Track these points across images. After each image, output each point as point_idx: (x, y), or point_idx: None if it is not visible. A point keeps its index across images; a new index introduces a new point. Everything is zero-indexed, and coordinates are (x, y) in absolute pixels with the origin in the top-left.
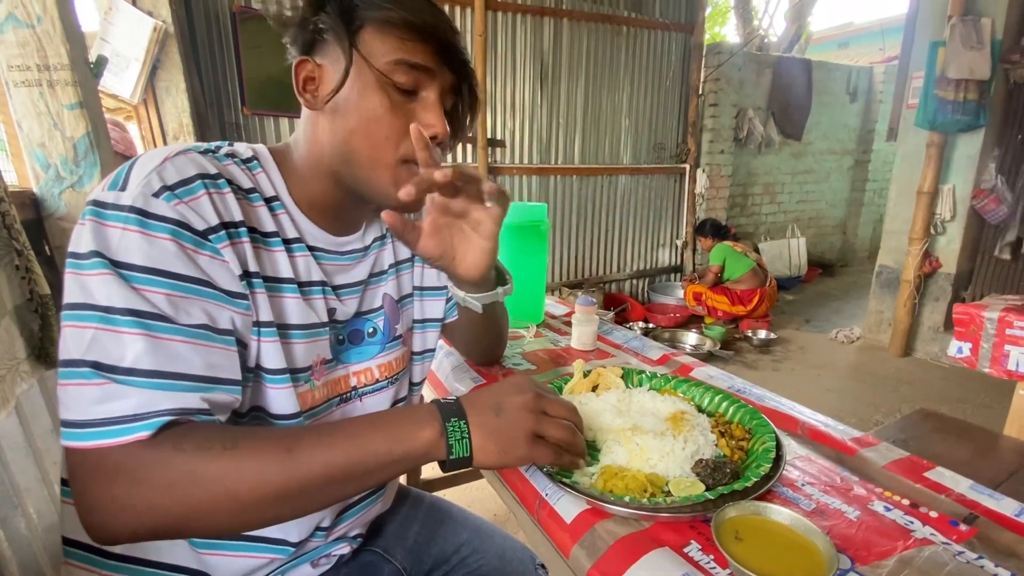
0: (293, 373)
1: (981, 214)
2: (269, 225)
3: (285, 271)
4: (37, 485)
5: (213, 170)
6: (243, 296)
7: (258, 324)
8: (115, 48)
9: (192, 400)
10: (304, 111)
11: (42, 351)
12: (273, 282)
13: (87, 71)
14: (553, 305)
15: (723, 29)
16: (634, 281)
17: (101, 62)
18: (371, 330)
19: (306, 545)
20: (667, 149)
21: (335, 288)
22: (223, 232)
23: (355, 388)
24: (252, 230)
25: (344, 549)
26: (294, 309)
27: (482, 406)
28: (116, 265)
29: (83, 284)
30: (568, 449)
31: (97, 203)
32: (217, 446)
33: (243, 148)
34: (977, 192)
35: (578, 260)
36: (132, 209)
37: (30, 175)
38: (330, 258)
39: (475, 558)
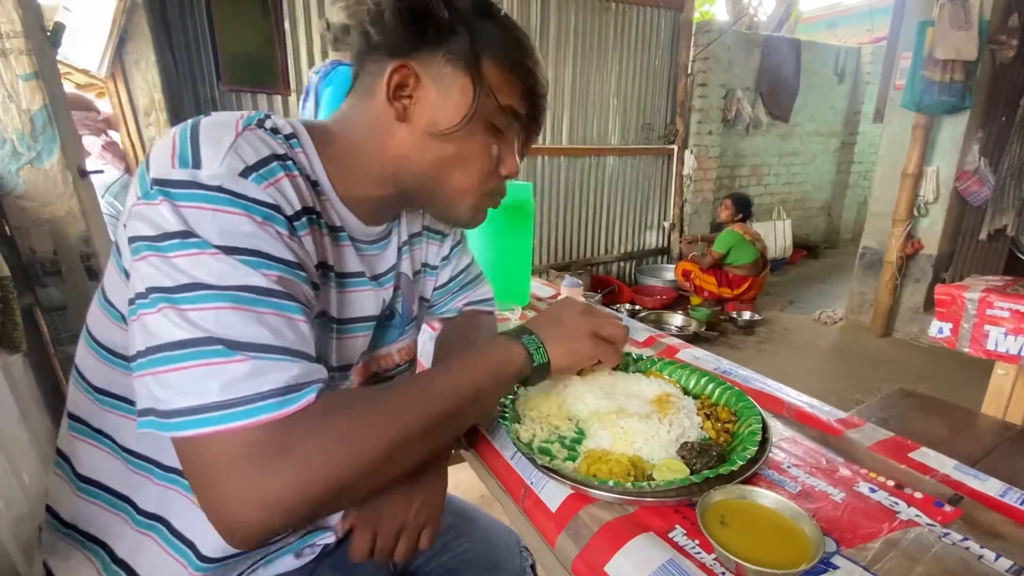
0: (344, 369)
1: (964, 196)
2: (320, 209)
3: (350, 264)
4: (4, 475)
5: (280, 151)
6: (317, 288)
7: (330, 318)
8: (79, 18)
9: (322, 372)
10: (374, 111)
11: (4, 336)
12: (329, 271)
13: (43, 39)
14: (539, 287)
15: (712, 7)
16: (621, 263)
17: (58, 29)
18: (390, 313)
19: (289, 536)
20: (655, 130)
21: (375, 278)
22: (305, 219)
23: (376, 374)
24: (317, 215)
25: (329, 538)
26: (355, 302)
27: (545, 323)
28: (219, 248)
29: (177, 266)
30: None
31: (168, 182)
32: (360, 403)
33: (282, 122)
34: (960, 174)
35: (565, 242)
36: (222, 190)
37: None
38: (368, 248)
39: (459, 542)
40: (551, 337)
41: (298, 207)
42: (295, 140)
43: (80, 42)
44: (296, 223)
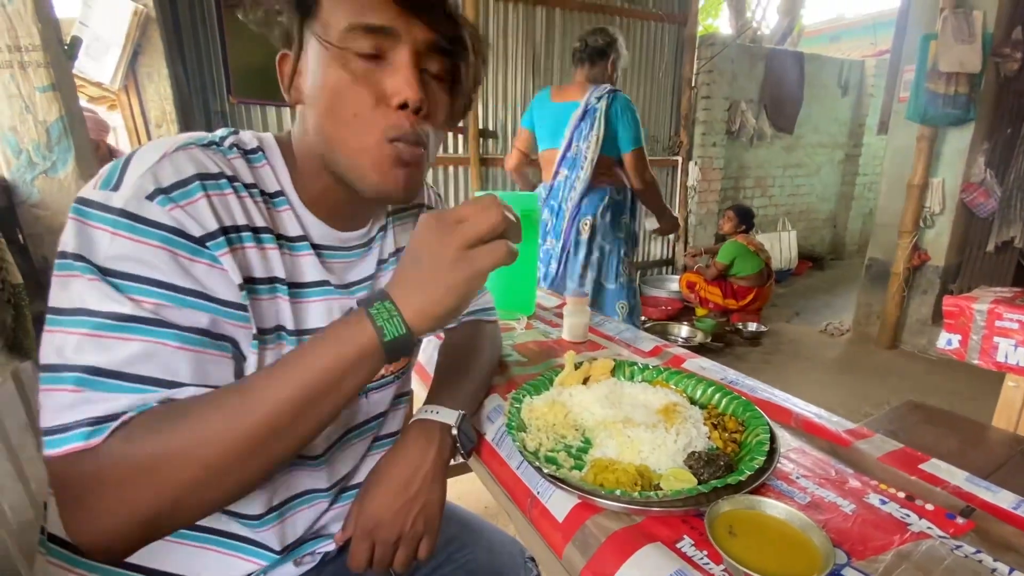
0: None
1: (970, 207)
2: (269, 222)
3: (308, 274)
4: (11, 482)
5: (214, 168)
6: (242, 308)
7: (263, 332)
8: (94, 32)
9: (152, 398)
10: (298, 107)
11: (15, 342)
12: (280, 284)
13: (61, 53)
14: (544, 297)
15: (716, 21)
16: None
17: (75, 43)
18: None
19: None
20: (659, 142)
21: (344, 287)
22: (222, 238)
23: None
24: (257, 231)
25: (329, 546)
26: (315, 312)
27: (401, 271)
28: (104, 272)
29: (67, 286)
30: (508, 235)
31: (85, 202)
32: (166, 424)
33: (248, 137)
34: (966, 186)
35: None
36: (123, 213)
37: (1, 161)
38: (337, 255)
39: (463, 552)
40: (408, 291)
41: (213, 227)
42: (259, 154)
43: (94, 55)
44: (210, 243)
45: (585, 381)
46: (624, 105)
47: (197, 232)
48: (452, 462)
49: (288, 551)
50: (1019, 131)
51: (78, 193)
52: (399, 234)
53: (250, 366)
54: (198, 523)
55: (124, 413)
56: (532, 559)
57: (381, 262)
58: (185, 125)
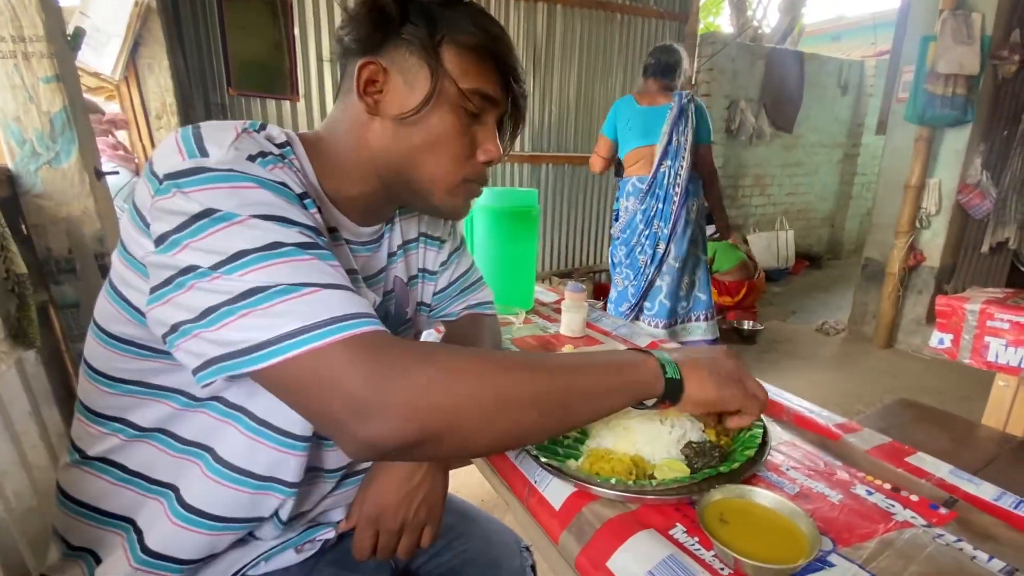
0: None
1: (965, 209)
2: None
3: (346, 263)
4: (15, 468)
5: (277, 152)
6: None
7: None
8: (95, 23)
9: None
10: (352, 109)
11: (19, 331)
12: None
13: (64, 44)
14: (543, 292)
15: (717, 19)
16: None
17: (79, 34)
18: (383, 314)
19: (290, 529)
20: None
21: (367, 279)
22: (311, 199)
23: None
24: (320, 211)
25: (329, 534)
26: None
27: (686, 355)
28: (246, 215)
29: (212, 245)
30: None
31: (180, 173)
32: (466, 350)
33: (276, 132)
34: (962, 187)
35: (569, 249)
36: (232, 170)
37: (5, 151)
38: (359, 249)
39: (460, 542)
40: (692, 366)
41: (301, 189)
42: (288, 148)
43: (95, 46)
44: (305, 201)
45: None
46: (701, 107)
47: (298, 189)
48: None
49: (290, 526)
50: (1015, 133)
51: (159, 171)
52: (405, 227)
53: None
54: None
55: (365, 314)
56: (527, 548)
57: (390, 255)
58: (185, 117)
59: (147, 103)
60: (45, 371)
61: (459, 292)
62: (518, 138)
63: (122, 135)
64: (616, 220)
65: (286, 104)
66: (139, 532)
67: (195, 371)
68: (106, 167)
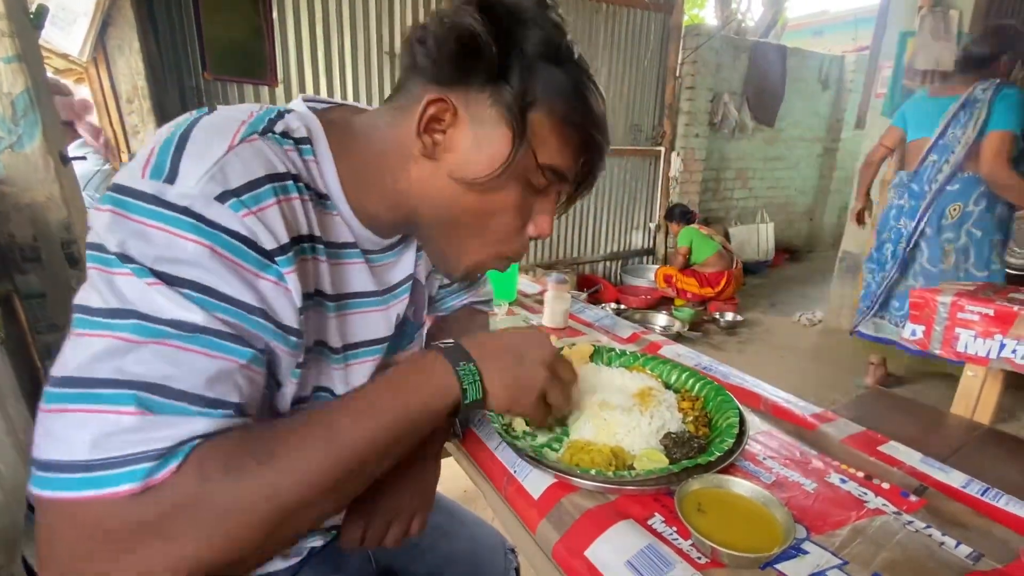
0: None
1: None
2: (320, 228)
3: (355, 283)
4: (3, 435)
5: (281, 168)
6: (298, 334)
7: (329, 348)
8: (61, 0)
9: (221, 424)
10: (403, 134)
11: None
12: (325, 299)
13: (26, 21)
14: (526, 283)
15: (702, 11)
16: (607, 263)
17: (42, 12)
18: (402, 321)
19: None
20: (643, 131)
21: (388, 290)
22: (292, 252)
23: None
24: (313, 240)
25: (317, 541)
26: (360, 324)
27: (499, 351)
28: (159, 276)
29: (112, 285)
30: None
31: (130, 192)
32: (250, 461)
33: (296, 123)
34: None
35: (552, 241)
36: (187, 212)
37: None
38: (381, 258)
39: (446, 542)
40: (499, 373)
41: (284, 240)
42: (308, 146)
43: (61, 25)
44: (279, 258)
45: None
46: (1008, 95)
47: (269, 245)
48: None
49: None
50: None
51: (114, 180)
52: None
53: (285, 395)
54: None
55: (190, 441)
56: (513, 550)
57: (416, 250)
58: (157, 101)
59: (117, 86)
60: (11, 363)
61: (464, 287)
62: None
63: (92, 120)
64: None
65: (264, 89)
66: None
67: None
68: (82, 151)
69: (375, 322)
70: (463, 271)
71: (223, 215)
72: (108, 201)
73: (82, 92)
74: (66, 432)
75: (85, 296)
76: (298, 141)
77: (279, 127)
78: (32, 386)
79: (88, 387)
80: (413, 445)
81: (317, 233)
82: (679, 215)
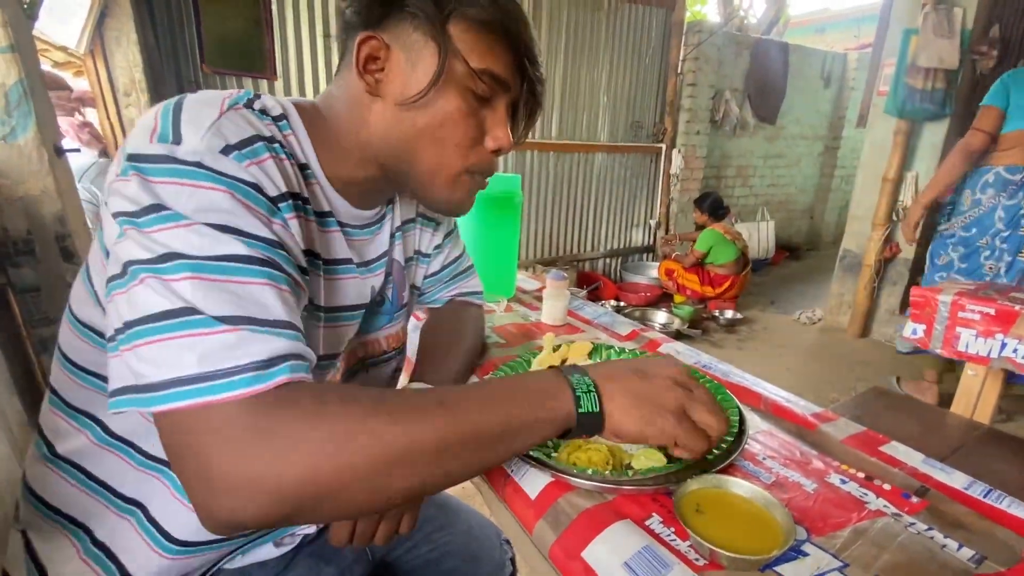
0: (331, 358)
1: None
2: (315, 200)
3: (337, 251)
4: None
5: (268, 132)
6: (305, 273)
7: (315, 307)
8: None
9: (309, 351)
10: (352, 87)
11: None
12: (327, 263)
13: (19, 11)
14: (525, 280)
15: (704, 8)
16: (607, 260)
17: (36, 1)
18: (380, 300)
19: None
20: (644, 128)
21: (364, 264)
22: (290, 201)
23: (362, 360)
24: (303, 201)
25: (310, 528)
26: (342, 290)
27: (618, 370)
28: (196, 220)
29: (154, 239)
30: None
31: (144, 157)
32: (365, 400)
33: (272, 103)
34: None
35: (552, 238)
36: (200, 166)
37: None
38: (358, 233)
39: (441, 534)
40: (621, 389)
41: (283, 189)
42: (284, 122)
43: (58, 17)
44: (281, 205)
45: (563, 363)
46: None
47: (272, 192)
48: None
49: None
50: None
51: (126, 151)
52: (404, 208)
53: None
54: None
55: (283, 359)
56: (508, 541)
57: (392, 235)
58: (155, 93)
59: (115, 79)
60: (4, 358)
61: (451, 278)
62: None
63: (91, 114)
64: (950, 215)
65: (263, 83)
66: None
67: (109, 395)
68: (70, 145)
69: (355, 288)
70: (445, 195)
71: (230, 166)
72: (129, 170)
73: (81, 85)
74: (173, 355)
75: (127, 251)
76: (276, 118)
77: (257, 105)
78: (27, 381)
79: (173, 318)
80: (519, 450)
81: (305, 195)
82: (709, 207)
